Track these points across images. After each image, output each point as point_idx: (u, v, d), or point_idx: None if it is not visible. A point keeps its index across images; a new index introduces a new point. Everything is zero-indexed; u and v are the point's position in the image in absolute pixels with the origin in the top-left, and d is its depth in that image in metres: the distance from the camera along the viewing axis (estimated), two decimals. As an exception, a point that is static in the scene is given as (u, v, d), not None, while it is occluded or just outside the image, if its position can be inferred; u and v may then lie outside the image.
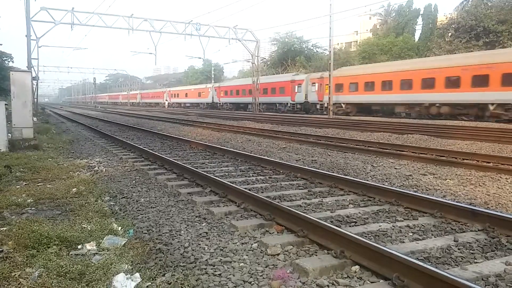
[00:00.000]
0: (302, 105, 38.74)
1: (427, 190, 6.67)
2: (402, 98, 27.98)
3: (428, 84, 26.02)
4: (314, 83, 36.04)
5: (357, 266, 3.53)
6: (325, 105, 34.17)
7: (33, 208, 5.49)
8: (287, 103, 40.96)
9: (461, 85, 24.10)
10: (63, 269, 3.32)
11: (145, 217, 5.16)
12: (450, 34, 42.96)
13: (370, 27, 65.18)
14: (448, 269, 3.52)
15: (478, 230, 4.51)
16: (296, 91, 39.24)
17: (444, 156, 9.92)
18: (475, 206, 5.31)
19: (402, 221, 4.90)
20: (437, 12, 49.54)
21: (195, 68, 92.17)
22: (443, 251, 3.91)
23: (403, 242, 4.20)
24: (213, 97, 56.05)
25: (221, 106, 54.35)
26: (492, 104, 22.69)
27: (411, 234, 4.45)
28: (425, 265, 3.08)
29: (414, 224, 4.73)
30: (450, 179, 7.52)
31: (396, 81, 28.54)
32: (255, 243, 4.18)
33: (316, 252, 3.94)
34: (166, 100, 71.01)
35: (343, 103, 33.38)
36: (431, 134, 15.09)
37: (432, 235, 4.43)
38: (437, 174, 8.00)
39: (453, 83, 24.57)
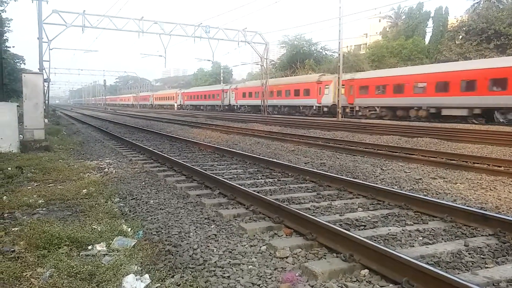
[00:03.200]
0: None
1: (437, 194, 6.62)
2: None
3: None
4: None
5: (366, 270, 3.52)
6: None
7: (44, 209, 5.55)
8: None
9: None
10: (73, 269, 3.35)
11: (155, 218, 5.19)
12: (460, 37, 42.69)
13: (379, 30, 64.83)
14: (458, 274, 3.49)
15: (489, 235, 4.47)
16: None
17: (454, 160, 9.84)
18: (486, 210, 5.26)
19: (412, 225, 4.86)
20: (448, 14, 49.22)
21: (204, 70, 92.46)
22: (453, 256, 3.88)
23: (413, 246, 4.17)
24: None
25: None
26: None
27: (421, 238, 4.42)
28: (435, 270, 3.06)
29: (424, 228, 4.70)
30: (460, 183, 7.46)
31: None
32: (263, 245, 4.18)
33: (325, 255, 3.93)
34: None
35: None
36: (441, 138, 14.96)
37: (442, 239, 4.40)
38: (447, 178, 7.93)
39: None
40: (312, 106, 37.97)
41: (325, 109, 36.58)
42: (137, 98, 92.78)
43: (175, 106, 69.93)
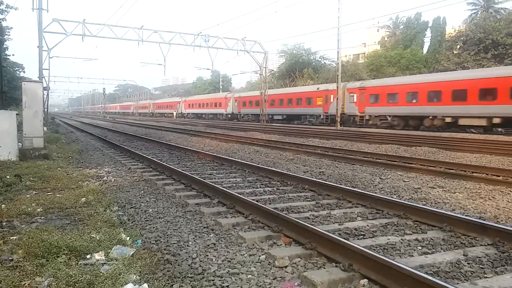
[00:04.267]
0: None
1: (436, 203, 6.62)
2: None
3: None
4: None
5: (365, 280, 3.51)
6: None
7: (42, 217, 5.54)
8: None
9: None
10: (72, 278, 3.34)
11: (153, 227, 5.18)
12: (458, 46, 42.96)
13: (378, 39, 65.29)
14: (457, 283, 3.50)
15: (488, 244, 4.47)
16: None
17: (453, 169, 9.85)
18: (484, 220, 5.27)
19: (411, 234, 4.86)
20: (446, 24, 49.62)
21: (204, 79, 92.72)
22: (452, 266, 3.88)
23: (412, 255, 4.17)
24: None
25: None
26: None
27: (420, 247, 4.42)
28: (434, 280, 3.06)
29: (423, 238, 4.70)
30: (459, 193, 7.47)
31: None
32: (262, 255, 4.18)
33: (324, 264, 3.92)
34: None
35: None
36: (439, 147, 15.00)
37: (441, 249, 4.40)
38: (446, 187, 7.94)
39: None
40: (223, 113, 53.73)
41: (229, 115, 51.98)
42: (122, 107, 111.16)
43: (174, 114, 70.78)
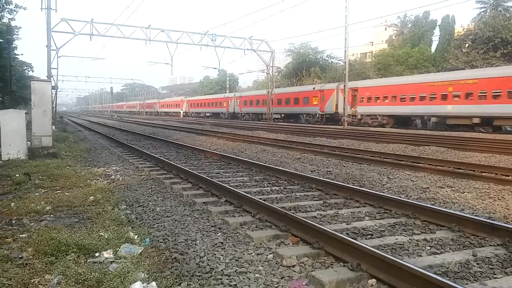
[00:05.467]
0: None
1: (444, 203, 6.58)
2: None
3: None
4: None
5: (373, 280, 3.50)
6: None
7: (51, 216, 5.58)
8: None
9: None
10: (81, 276, 3.36)
11: (161, 226, 5.20)
12: (467, 45, 42.60)
13: (385, 38, 64.77)
14: (467, 284, 3.47)
15: (498, 245, 4.43)
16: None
17: (461, 169, 9.77)
18: (494, 220, 5.22)
19: (419, 234, 4.83)
20: (455, 23, 49.13)
21: (210, 78, 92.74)
22: (461, 266, 3.85)
23: (421, 255, 4.15)
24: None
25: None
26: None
27: (428, 247, 4.39)
28: (443, 280, 3.04)
29: (431, 238, 4.67)
30: (468, 192, 7.41)
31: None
32: (270, 254, 4.18)
33: (332, 264, 3.91)
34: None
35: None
36: (448, 146, 14.88)
37: (450, 249, 4.37)
38: (454, 187, 7.88)
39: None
40: (181, 112, 71.26)
41: (184, 113, 70.02)
42: (117, 106, 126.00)
43: (182, 113, 71.91)
